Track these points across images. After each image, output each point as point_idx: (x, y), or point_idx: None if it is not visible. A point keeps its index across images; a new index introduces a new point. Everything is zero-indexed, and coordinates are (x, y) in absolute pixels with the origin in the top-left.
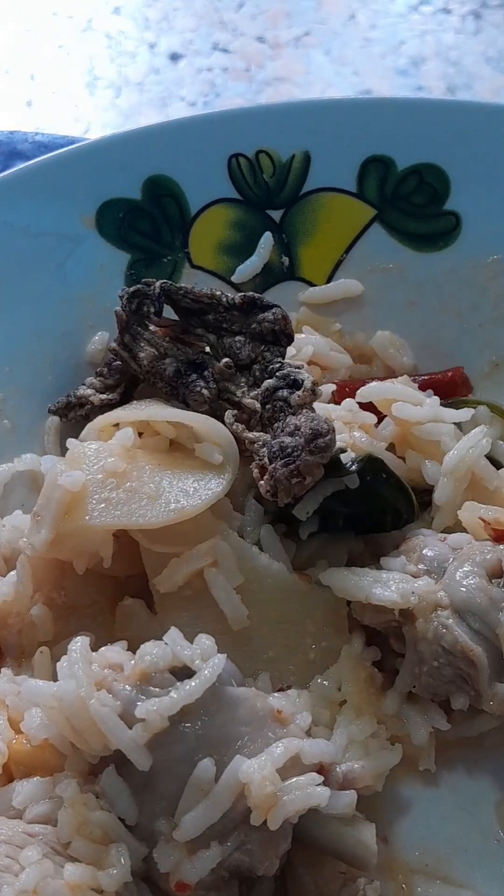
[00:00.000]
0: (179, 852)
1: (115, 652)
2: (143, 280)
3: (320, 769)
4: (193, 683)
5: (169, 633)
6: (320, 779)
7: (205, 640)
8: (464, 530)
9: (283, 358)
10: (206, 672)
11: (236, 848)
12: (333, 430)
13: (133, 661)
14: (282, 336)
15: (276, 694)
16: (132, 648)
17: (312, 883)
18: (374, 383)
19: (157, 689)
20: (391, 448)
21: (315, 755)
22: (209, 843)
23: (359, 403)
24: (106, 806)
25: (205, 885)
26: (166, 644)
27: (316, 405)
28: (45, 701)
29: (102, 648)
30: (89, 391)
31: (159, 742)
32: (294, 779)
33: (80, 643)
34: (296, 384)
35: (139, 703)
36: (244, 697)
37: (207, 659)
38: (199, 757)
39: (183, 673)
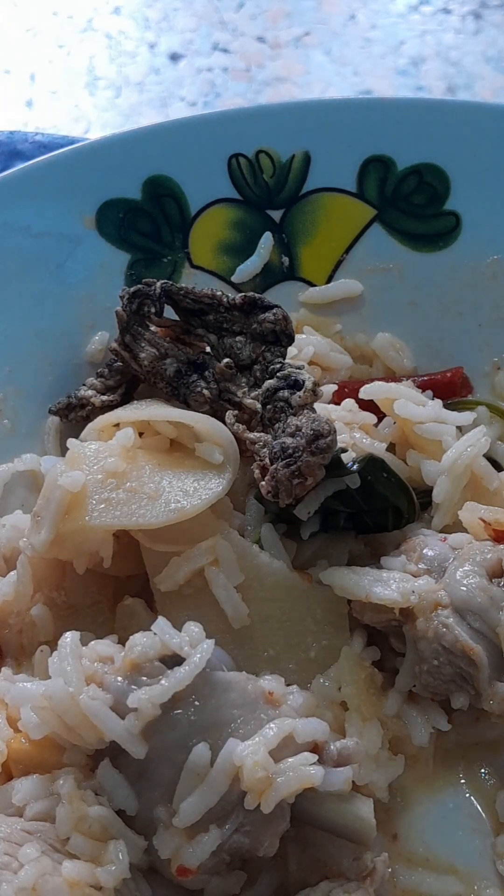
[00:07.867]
0: (179, 838)
1: (104, 645)
2: (144, 280)
3: (314, 748)
4: (183, 670)
5: (157, 622)
6: (314, 758)
7: (193, 627)
8: (464, 530)
9: (284, 358)
10: (195, 658)
11: (235, 830)
12: (335, 431)
13: (123, 653)
14: (282, 336)
15: (266, 676)
16: None
17: (315, 861)
18: (377, 382)
19: (147, 679)
20: (391, 448)
21: (308, 734)
22: (208, 826)
23: (359, 403)
24: (104, 801)
25: (206, 868)
26: (155, 634)
27: (316, 405)
28: (36, 701)
29: (93, 642)
30: (90, 392)
31: (153, 730)
32: (287, 760)
33: (69, 639)
34: (297, 385)
35: (130, 693)
36: (235, 681)
37: (196, 645)
38: (194, 742)
39: (173, 661)
